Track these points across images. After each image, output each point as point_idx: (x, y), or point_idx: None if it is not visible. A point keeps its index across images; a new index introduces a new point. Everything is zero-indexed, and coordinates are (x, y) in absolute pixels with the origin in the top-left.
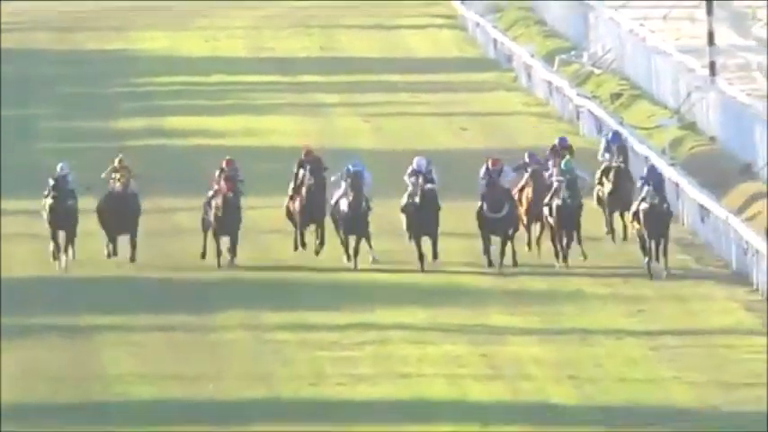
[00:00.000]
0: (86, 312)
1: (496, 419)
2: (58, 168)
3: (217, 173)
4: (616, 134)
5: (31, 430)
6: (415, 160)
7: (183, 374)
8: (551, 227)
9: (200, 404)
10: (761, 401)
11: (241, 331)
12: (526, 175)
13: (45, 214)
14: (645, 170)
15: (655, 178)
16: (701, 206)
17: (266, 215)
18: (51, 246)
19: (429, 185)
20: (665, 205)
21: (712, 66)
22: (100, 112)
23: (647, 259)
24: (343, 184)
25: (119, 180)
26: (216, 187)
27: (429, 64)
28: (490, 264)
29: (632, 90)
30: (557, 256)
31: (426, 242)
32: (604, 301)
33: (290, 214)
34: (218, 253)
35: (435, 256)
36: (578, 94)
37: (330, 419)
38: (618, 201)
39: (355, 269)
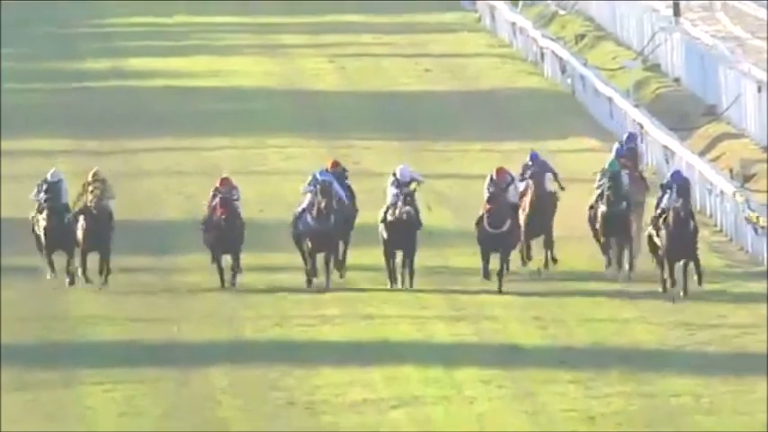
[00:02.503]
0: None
1: (460, 361)
2: (49, 175)
3: (211, 193)
4: (631, 135)
5: None
6: (399, 169)
7: (147, 316)
8: (597, 235)
9: (163, 346)
10: (725, 342)
11: (205, 273)
12: (526, 180)
13: (39, 235)
14: (668, 175)
15: (679, 184)
16: (666, 147)
17: (229, 155)
18: (48, 274)
19: (407, 209)
20: (691, 224)
21: (676, 7)
22: (63, 52)
23: (666, 281)
24: (309, 195)
25: (91, 194)
26: (212, 208)
27: (392, 5)
28: (487, 277)
29: (596, 31)
30: (609, 265)
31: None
32: (568, 242)
33: None
34: (221, 271)
35: (411, 274)
36: (542, 36)
37: (294, 361)
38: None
39: (326, 289)
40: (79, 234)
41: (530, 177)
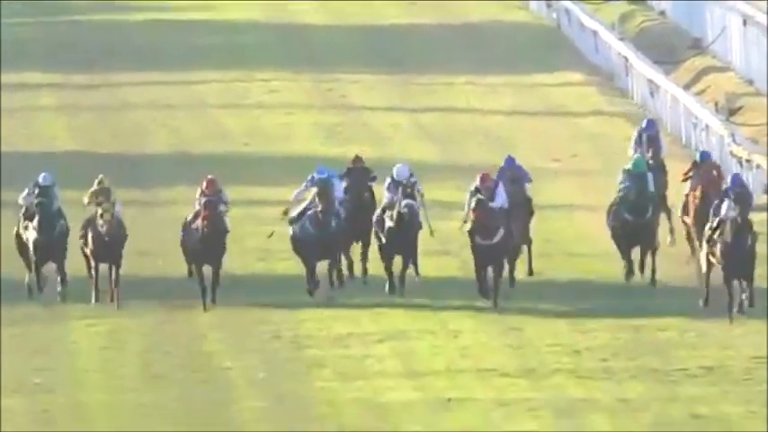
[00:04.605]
0: None
1: (445, 295)
2: (41, 179)
3: (198, 193)
4: (651, 122)
5: None
6: (396, 168)
7: (132, 249)
8: (619, 243)
9: (148, 280)
10: (711, 276)
11: (190, 207)
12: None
13: (29, 244)
14: (728, 180)
15: (738, 192)
16: (651, 81)
17: (215, 89)
18: (28, 278)
19: (407, 201)
20: (749, 236)
21: None
22: None
23: (730, 303)
24: (310, 196)
25: (101, 218)
26: (196, 209)
27: None
28: (489, 299)
29: None
30: (629, 273)
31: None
32: (555, 176)
33: None
34: (203, 289)
35: (417, 272)
36: None
37: (279, 295)
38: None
39: (329, 304)
40: (88, 251)
41: (510, 180)
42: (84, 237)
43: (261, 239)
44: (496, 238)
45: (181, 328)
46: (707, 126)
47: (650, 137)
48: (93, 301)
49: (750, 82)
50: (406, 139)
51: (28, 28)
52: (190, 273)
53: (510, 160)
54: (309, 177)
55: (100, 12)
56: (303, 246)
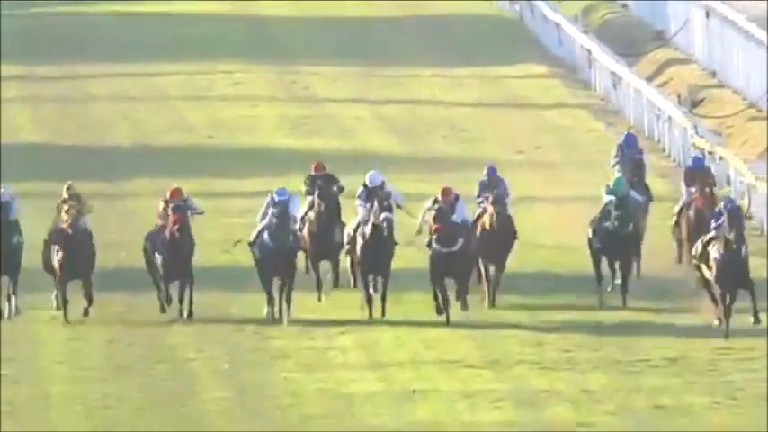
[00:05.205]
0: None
1: (408, 286)
2: None
3: (161, 205)
4: (630, 137)
5: None
6: (368, 175)
7: (95, 241)
8: (594, 255)
9: (112, 272)
10: (674, 268)
11: (153, 199)
12: (485, 199)
13: None
14: (721, 204)
15: (730, 211)
16: (614, 73)
17: (178, 81)
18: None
19: (385, 214)
20: (742, 248)
21: None
22: None
23: (720, 319)
24: (269, 215)
25: (66, 214)
26: (160, 222)
27: None
28: (440, 311)
29: None
30: (624, 291)
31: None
32: (519, 168)
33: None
34: (169, 301)
35: (383, 297)
36: None
37: (242, 287)
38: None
39: (287, 323)
40: (56, 262)
41: (492, 202)
42: (46, 248)
43: (225, 231)
44: (456, 247)
45: (144, 320)
46: (670, 118)
47: (635, 161)
48: (57, 308)
49: (713, 74)
50: (370, 131)
51: None
52: (163, 296)
53: (491, 170)
54: (269, 198)
55: (64, 4)
56: (262, 262)
